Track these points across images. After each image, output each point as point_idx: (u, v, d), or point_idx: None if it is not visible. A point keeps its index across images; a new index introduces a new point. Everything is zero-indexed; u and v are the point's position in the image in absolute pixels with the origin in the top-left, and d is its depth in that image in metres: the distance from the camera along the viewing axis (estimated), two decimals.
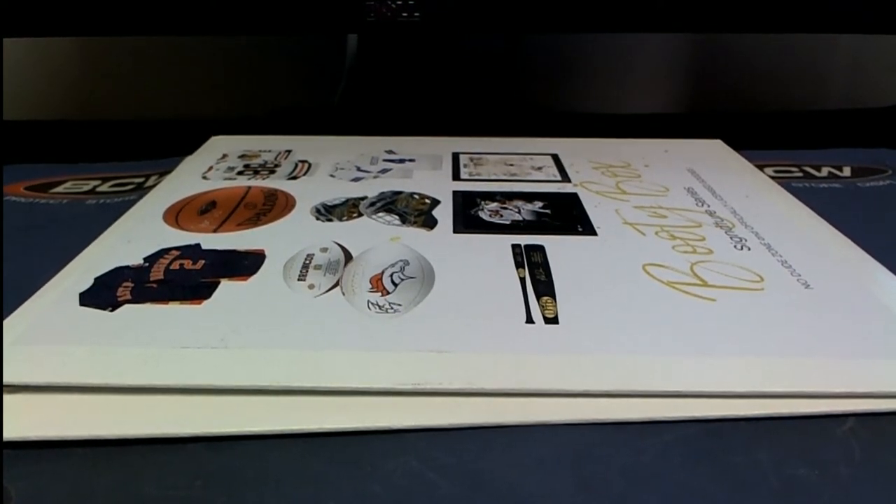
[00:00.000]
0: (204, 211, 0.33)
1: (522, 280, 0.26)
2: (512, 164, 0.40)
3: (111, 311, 0.24)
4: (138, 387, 0.20)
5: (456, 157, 0.41)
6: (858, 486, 0.18)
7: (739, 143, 0.44)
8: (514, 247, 0.29)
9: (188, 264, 0.27)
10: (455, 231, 0.31)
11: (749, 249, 0.29)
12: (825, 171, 0.41)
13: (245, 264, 0.27)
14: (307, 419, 0.19)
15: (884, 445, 0.19)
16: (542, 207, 0.34)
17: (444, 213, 0.33)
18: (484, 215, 0.33)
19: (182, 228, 0.31)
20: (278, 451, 0.19)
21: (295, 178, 0.38)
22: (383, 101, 0.57)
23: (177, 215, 0.32)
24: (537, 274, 0.27)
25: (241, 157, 0.41)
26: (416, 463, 0.18)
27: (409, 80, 0.57)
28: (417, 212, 0.33)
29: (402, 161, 0.41)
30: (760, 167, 0.40)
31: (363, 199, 0.34)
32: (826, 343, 0.22)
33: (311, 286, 0.26)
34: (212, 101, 0.60)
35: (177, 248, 0.29)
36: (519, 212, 0.33)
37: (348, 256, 0.28)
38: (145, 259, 0.28)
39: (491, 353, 0.22)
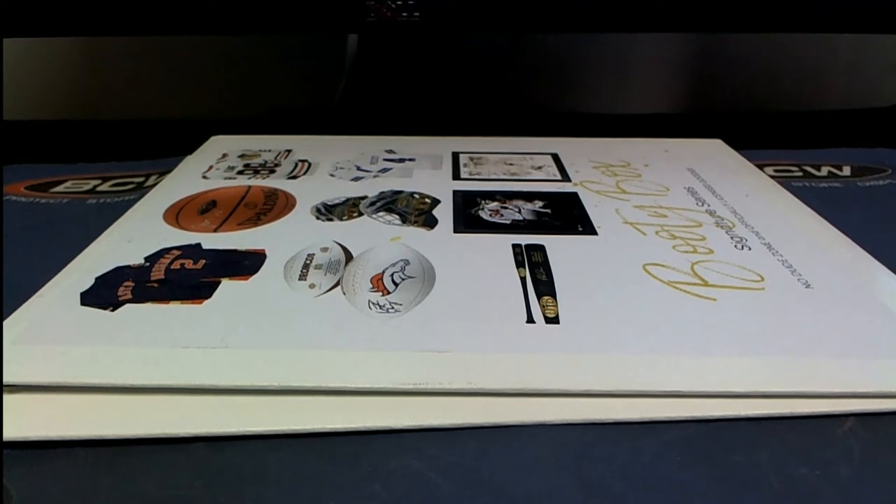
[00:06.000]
0: (204, 210, 0.33)
1: (523, 280, 0.26)
2: (512, 164, 0.40)
3: (112, 310, 0.24)
4: (138, 387, 0.20)
5: (456, 157, 0.41)
6: (858, 486, 0.18)
7: (739, 143, 0.44)
8: (515, 246, 0.29)
9: (189, 264, 0.27)
10: (455, 231, 0.31)
11: (749, 249, 0.29)
12: (825, 170, 0.41)
13: (246, 264, 0.27)
14: (307, 419, 0.19)
15: (884, 445, 0.19)
16: (543, 207, 0.34)
17: (444, 213, 0.33)
18: (484, 215, 0.33)
19: (183, 228, 0.31)
20: (278, 450, 0.19)
21: (295, 177, 0.38)
22: (383, 101, 0.57)
23: (177, 215, 0.32)
24: (538, 273, 0.27)
25: (241, 156, 0.41)
26: (416, 463, 0.18)
27: (409, 80, 0.57)
28: (418, 211, 0.33)
29: (402, 160, 0.41)
30: (760, 167, 0.40)
31: (363, 198, 0.34)
32: (826, 343, 0.22)
33: (311, 286, 0.26)
34: (212, 101, 0.60)
35: (177, 248, 0.29)
36: (519, 211, 0.33)
37: (349, 256, 0.28)
38: (146, 259, 0.28)
39: (491, 353, 0.22)
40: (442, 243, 0.29)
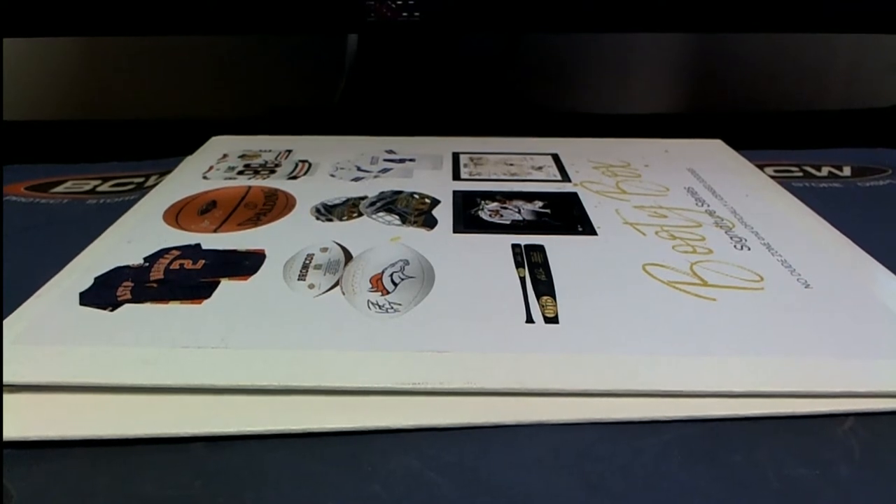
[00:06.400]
0: (204, 211, 0.33)
1: (522, 280, 0.26)
2: (512, 164, 0.40)
3: (111, 310, 0.24)
4: (138, 387, 0.20)
5: (456, 157, 0.41)
6: (858, 486, 0.18)
7: (739, 143, 0.44)
8: (515, 246, 0.29)
9: (188, 264, 0.27)
10: (455, 231, 0.31)
11: (749, 249, 0.29)
12: (825, 170, 0.41)
13: (245, 264, 0.27)
14: (307, 419, 0.19)
15: (884, 445, 0.19)
16: (543, 207, 0.34)
17: (444, 213, 0.33)
18: (484, 215, 0.33)
19: (182, 228, 0.31)
20: (278, 451, 0.19)
21: (295, 177, 0.38)
22: (383, 101, 0.57)
23: (177, 215, 0.32)
24: (537, 274, 0.27)
25: (242, 156, 0.41)
26: (416, 463, 0.18)
27: (409, 80, 0.57)
28: (417, 212, 0.33)
29: (402, 161, 0.41)
30: (760, 167, 0.40)
31: (363, 198, 0.34)
32: (826, 343, 0.22)
33: (311, 286, 0.26)
34: (212, 101, 0.60)
35: (177, 248, 0.29)
36: (519, 211, 0.33)
37: (348, 256, 0.28)
38: (145, 259, 0.28)
39: (491, 353, 0.22)
40: (441, 243, 0.29)
